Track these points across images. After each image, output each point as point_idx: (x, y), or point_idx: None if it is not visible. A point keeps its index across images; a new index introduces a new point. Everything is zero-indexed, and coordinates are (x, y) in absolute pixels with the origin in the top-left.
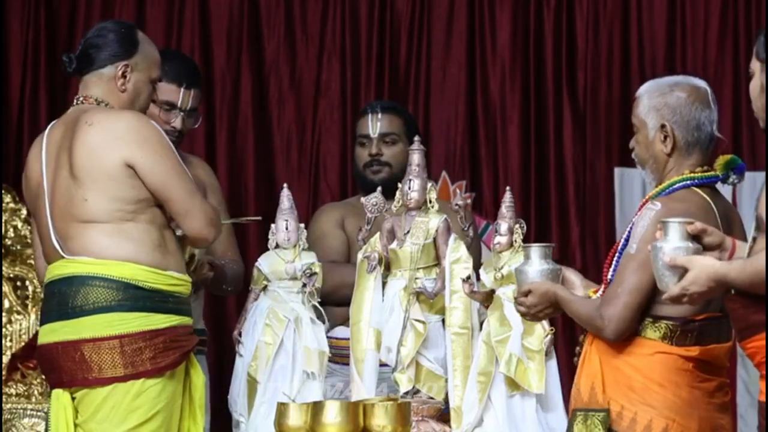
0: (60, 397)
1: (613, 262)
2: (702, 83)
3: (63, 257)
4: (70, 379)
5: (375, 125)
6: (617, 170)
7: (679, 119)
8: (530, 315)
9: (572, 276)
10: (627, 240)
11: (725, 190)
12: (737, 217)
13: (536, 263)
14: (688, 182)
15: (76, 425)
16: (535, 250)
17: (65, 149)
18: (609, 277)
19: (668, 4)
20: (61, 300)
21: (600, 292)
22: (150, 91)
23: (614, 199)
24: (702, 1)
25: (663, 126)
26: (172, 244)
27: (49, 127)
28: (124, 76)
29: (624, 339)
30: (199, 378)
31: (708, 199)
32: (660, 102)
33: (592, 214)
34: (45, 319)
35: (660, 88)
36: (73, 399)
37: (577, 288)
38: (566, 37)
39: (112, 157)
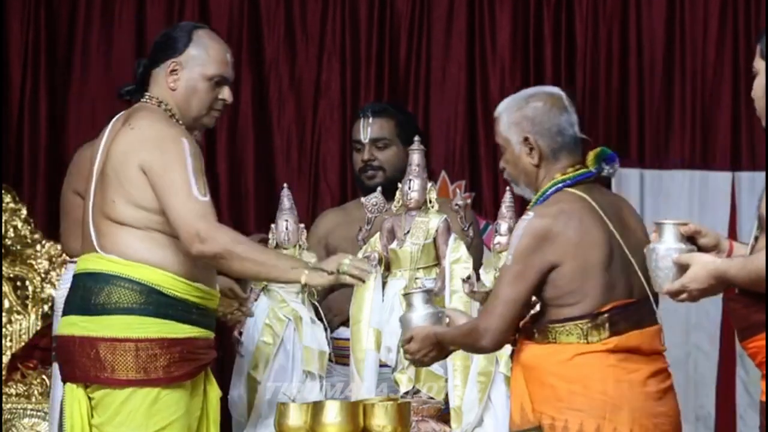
0: (74, 390)
1: None
2: (556, 90)
3: (96, 251)
4: (83, 375)
5: (366, 130)
6: None
7: (540, 128)
8: (416, 360)
9: (457, 316)
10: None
11: (725, 188)
12: (628, 207)
13: (419, 309)
14: (560, 185)
15: (92, 426)
16: (417, 296)
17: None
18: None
19: (667, 4)
20: (85, 295)
21: None
22: (207, 88)
23: None
24: (701, 1)
25: (526, 139)
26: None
27: (115, 118)
28: (173, 73)
29: (541, 350)
30: (215, 393)
31: (583, 195)
32: (518, 116)
33: None
34: (67, 310)
35: (516, 103)
36: (90, 399)
37: (459, 323)
38: (565, 36)
39: (132, 162)
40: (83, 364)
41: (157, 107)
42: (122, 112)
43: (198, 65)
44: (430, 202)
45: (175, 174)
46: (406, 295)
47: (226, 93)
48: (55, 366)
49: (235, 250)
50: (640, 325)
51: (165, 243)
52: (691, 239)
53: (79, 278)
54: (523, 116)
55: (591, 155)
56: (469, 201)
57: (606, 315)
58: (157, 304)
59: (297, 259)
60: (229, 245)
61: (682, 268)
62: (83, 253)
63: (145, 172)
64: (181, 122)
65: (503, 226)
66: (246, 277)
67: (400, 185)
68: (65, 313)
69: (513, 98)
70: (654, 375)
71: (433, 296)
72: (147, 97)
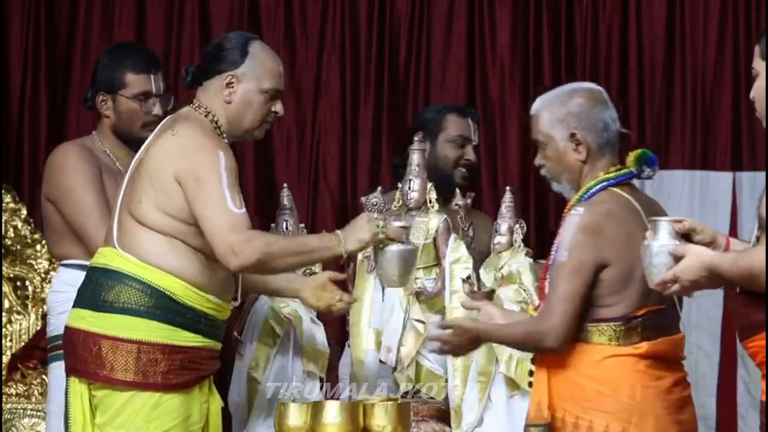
0: (77, 384)
1: (547, 275)
2: (594, 86)
3: (114, 246)
4: (83, 369)
5: (476, 132)
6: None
7: (587, 124)
8: (449, 351)
9: (491, 309)
10: (557, 251)
11: (725, 188)
12: (663, 212)
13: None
14: (605, 183)
15: (94, 425)
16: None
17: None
18: (547, 290)
19: (667, 4)
20: (96, 290)
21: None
22: (262, 101)
23: None
24: (701, 2)
25: (573, 134)
26: (220, 273)
27: (168, 118)
28: (230, 86)
29: (571, 348)
30: (216, 405)
31: (627, 196)
32: (563, 112)
33: None
34: (77, 302)
35: (558, 99)
36: (93, 396)
37: (497, 320)
38: (565, 37)
39: (167, 169)
40: (84, 358)
41: (204, 117)
42: (171, 116)
43: (254, 79)
44: (430, 202)
45: (210, 187)
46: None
47: (279, 106)
48: (51, 367)
49: (271, 251)
50: (669, 332)
51: (183, 251)
52: (686, 237)
53: (93, 272)
54: (568, 112)
55: (632, 156)
56: (469, 201)
57: (640, 319)
58: (165, 309)
59: (328, 236)
60: (264, 248)
61: (677, 261)
62: (103, 245)
63: (179, 183)
64: (224, 134)
65: (503, 226)
66: (291, 270)
67: (400, 185)
68: (76, 305)
69: (553, 94)
70: (677, 383)
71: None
72: (195, 105)
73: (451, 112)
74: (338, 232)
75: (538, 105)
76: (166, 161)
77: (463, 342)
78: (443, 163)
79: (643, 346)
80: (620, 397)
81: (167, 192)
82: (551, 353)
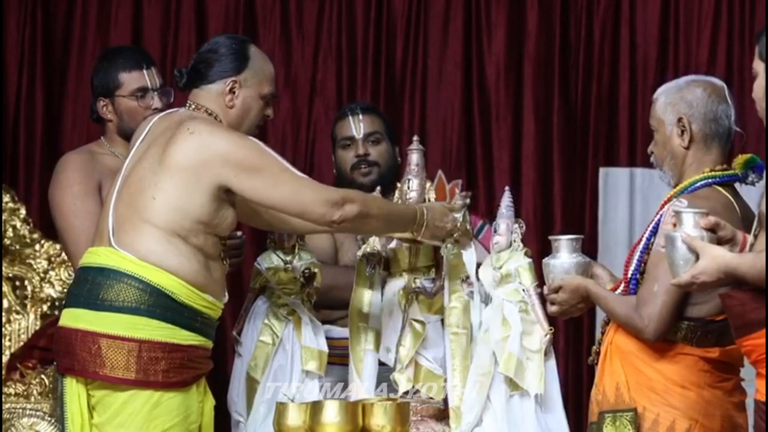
0: (73, 385)
1: (633, 261)
2: (718, 81)
3: (111, 245)
4: (82, 369)
5: (358, 126)
6: (602, 170)
7: (696, 112)
8: (563, 312)
9: (599, 270)
10: (648, 238)
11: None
12: (754, 217)
13: (564, 256)
14: (710, 180)
15: (92, 425)
16: (564, 243)
17: (159, 145)
18: (629, 275)
19: (662, 4)
20: (93, 289)
21: (620, 289)
22: (261, 107)
23: (598, 199)
24: (695, 1)
25: (680, 119)
26: (217, 272)
27: (157, 117)
28: (232, 91)
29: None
30: (209, 405)
31: (730, 198)
32: (676, 97)
33: (578, 214)
34: (71, 302)
35: (677, 85)
36: (91, 396)
37: (605, 283)
38: (560, 36)
39: (206, 174)
40: (83, 358)
41: (207, 116)
42: (162, 114)
43: (255, 84)
44: (429, 201)
45: (271, 168)
46: (554, 241)
47: (270, 110)
48: None
49: (368, 208)
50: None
51: (183, 250)
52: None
53: (87, 271)
54: (681, 98)
55: (740, 159)
56: (468, 201)
57: (717, 324)
58: (164, 307)
59: (413, 212)
60: (363, 203)
61: (696, 255)
62: (94, 245)
63: (226, 180)
64: None
65: (502, 226)
66: (378, 234)
67: (399, 184)
68: (68, 305)
69: (674, 82)
70: (737, 387)
71: (580, 244)
72: (193, 106)
73: (336, 120)
74: (422, 211)
75: (658, 91)
76: (199, 159)
77: (573, 301)
78: (341, 168)
79: (715, 352)
80: (689, 395)
81: (190, 187)
82: (631, 340)
